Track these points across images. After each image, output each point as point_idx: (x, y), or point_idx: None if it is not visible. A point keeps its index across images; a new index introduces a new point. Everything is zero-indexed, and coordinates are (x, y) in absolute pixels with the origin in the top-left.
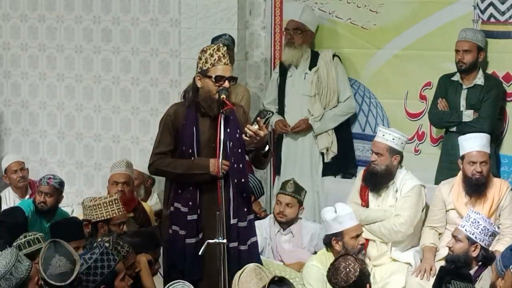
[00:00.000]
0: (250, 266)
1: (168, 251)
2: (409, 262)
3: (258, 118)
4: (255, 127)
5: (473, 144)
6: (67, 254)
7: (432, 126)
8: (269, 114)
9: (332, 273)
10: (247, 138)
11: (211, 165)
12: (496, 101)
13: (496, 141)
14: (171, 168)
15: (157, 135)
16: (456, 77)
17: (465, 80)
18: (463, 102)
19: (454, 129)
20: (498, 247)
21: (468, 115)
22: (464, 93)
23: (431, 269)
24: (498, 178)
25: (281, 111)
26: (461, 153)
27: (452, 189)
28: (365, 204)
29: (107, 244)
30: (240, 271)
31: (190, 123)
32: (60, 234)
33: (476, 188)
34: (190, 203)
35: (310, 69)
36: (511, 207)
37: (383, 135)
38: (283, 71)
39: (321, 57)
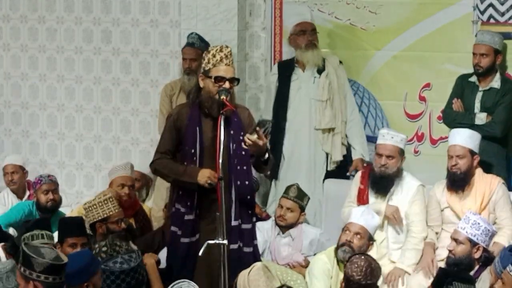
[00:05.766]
0: (258, 264)
1: (168, 252)
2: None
3: (257, 128)
4: (255, 136)
5: (454, 138)
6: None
7: (438, 125)
8: (268, 123)
9: (354, 269)
10: (246, 147)
11: (200, 175)
12: (511, 106)
13: (507, 144)
14: (166, 171)
15: (161, 134)
16: (473, 78)
17: (482, 82)
18: (477, 104)
19: None
20: (498, 238)
21: (481, 118)
22: (479, 95)
23: (432, 262)
24: (490, 174)
25: (282, 115)
26: None
27: (445, 187)
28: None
29: (104, 249)
30: (248, 270)
31: (193, 123)
32: (63, 229)
33: (453, 183)
34: (188, 203)
35: (318, 73)
36: (505, 199)
37: (392, 137)
38: (285, 74)
39: (329, 62)
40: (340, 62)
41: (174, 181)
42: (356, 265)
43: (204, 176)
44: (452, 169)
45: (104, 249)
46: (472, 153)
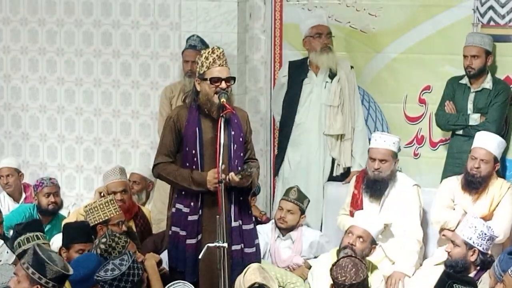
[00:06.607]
0: (254, 265)
1: (169, 253)
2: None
3: (242, 172)
4: (238, 177)
5: (481, 141)
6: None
7: (438, 128)
8: (252, 171)
9: (338, 272)
10: (227, 181)
11: (208, 182)
12: (503, 106)
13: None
14: (172, 178)
15: (160, 136)
16: (464, 80)
17: (473, 83)
18: (470, 106)
19: (460, 132)
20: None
21: (474, 119)
22: (471, 97)
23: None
24: (501, 179)
25: (291, 117)
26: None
27: (460, 186)
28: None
29: (103, 240)
30: (243, 271)
31: (193, 123)
32: (71, 235)
33: (469, 183)
34: (192, 204)
35: (330, 77)
36: (509, 202)
37: (385, 141)
38: (298, 76)
39: (341, 67)
40: (352, 67)
41: (179, 186)
42: (340, 267)
43: (211, 182)
44: (472, 171)
45: (103, 240)
46: (495, 160)
